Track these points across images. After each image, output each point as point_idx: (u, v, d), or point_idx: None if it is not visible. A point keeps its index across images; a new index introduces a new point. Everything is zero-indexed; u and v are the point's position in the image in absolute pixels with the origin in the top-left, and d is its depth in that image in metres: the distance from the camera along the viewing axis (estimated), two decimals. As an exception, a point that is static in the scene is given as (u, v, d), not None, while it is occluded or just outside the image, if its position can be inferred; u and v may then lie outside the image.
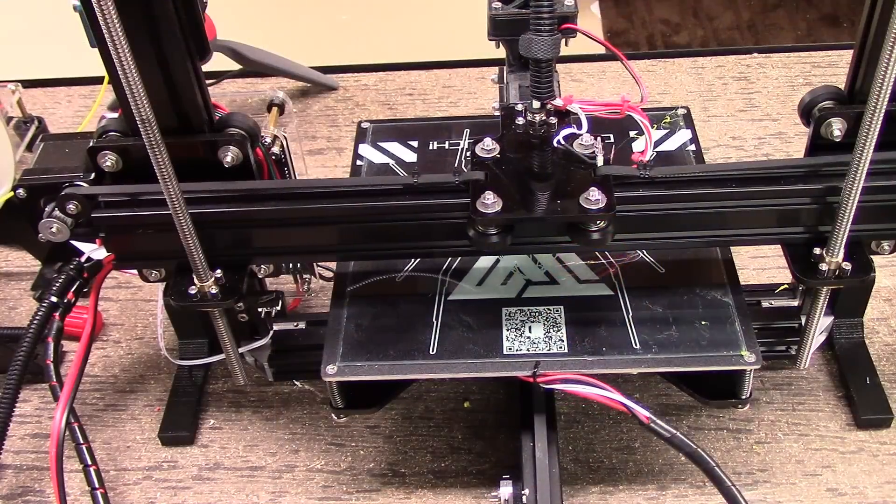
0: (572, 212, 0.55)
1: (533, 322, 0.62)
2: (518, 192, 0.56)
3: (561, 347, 0.61)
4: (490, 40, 0.61)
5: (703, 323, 0.62)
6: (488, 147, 0.59)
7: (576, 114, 0.58)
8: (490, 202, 0.55)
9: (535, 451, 0.61)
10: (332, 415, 0.64)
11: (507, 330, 0.62)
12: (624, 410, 0.57)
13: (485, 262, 0.67)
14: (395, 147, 0.75)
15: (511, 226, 0.56)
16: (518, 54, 0.59)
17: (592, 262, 0.67)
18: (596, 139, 0.58)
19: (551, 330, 0.62)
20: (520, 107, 0.61)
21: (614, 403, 0.57)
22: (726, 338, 0.60)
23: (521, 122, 0.60)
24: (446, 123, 0.78)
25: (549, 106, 0.59)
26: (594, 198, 0.54)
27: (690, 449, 0.57)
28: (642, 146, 0.63)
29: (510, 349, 0.61)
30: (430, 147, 0.75)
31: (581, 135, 0.58)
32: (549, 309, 0.63)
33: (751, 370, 0.60)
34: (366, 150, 0.75)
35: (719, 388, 0.63)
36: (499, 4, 0.60)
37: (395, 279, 0.66)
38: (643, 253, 0.66)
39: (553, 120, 0.60)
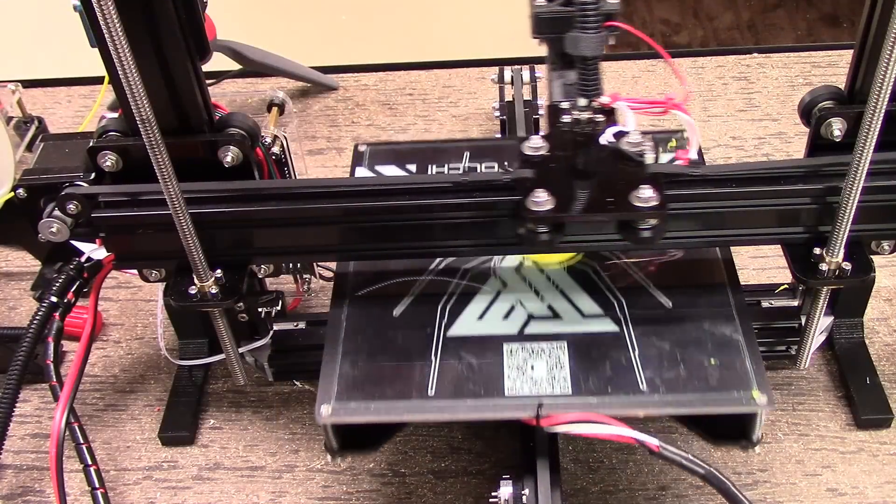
0: (624, 210, 0.54)
1: (535, 360, 0.60)
2: (568, 189, 0.55)
3: (564, 388, 0.58)
4: (533, 38, 0.61)
5: (712, 361, 0.59)
6: (535, 145, 0.58)
7: (622, 111, 0.58)
8: (541, 200, 0.54)
9: (536, 452, 0.61)
10: (328, 456, 0.61)
11: (509, 368, 0.60)
12: (634, 443, 0.56)
13: (485, 295, 0.64)
14: (392, 171, 0.74)
15: (561, 224, 0.55)
16: (560, 52, 0.59)
17: (597, 284, 0.65)
18: (644, 136, 0.57)
19: (554, 368, 0.59)
20: (565, 104, 0.60)
21: (624, 439, 0.56)
22: (737, 377, 0.58)
23: (566, 120, 0.59)
24: (444, 147, 0.77)
25: (594, 103, 0.59)
26: (646, 195, 0.54)
27: (704, 470, 0.56)
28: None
29: (512, 389, 0.58)
30: (429, 171, 0.73)
31: (629, 132, 0.57)
32: (552, 346, 0.61)
33: (762, 412, 0.57)
34: (362, 173, 0.74)
35: (729, 429, 0.60)
36: (542, 1, 0.60)
37: (392, 313, 0.63)
38: (649, 286, 0.64)
39: (599, 117, 0.59)
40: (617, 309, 0.63)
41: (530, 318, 0.63)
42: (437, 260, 0.66)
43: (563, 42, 0.57)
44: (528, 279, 0.65)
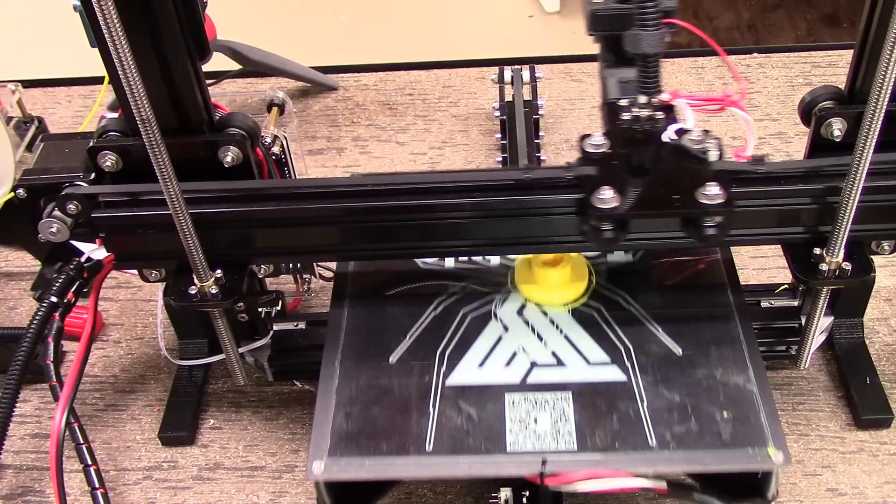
0: (692, 207, 0.54)
1: (539, 412, 0.57)
2: (631, 186, 0.55)
3: (569, 443, 0.55)
4: (589, 35, 0.61)
5: (724, 414, 0.56)
6: (597, 142, 0.58)
7: (681, 108, 0.58)
8: (607, 197, 0.54)
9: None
10: None
11: (511, 421, 0.57)
12: (642, 492, 0.55)
13: (485, 341, 0.62)
14: None
15: (625, 221, 0.55)
16: (614, 48, 0.59)
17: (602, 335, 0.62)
18: (707, 134, 0.57)
19: (559, 421, 0.57)
20: (623, 102, 0.59)
21: (632, 489, 0.54)
22: (751, 432, 0.56)
23: (626, 118, 0.58)
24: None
25: (654, 100, 0.58)
26: (713, 193, 0.54)
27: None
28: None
29: (514, 444, 0.56)
30: None
31: (690, 129, 0.57)
32: (556, 396, 0.58)
33: (778, 470, 0.55)
34: None
35: (742, 485, 0.57)
36: None
37: (389, 361, 0.61)
38: (659, 332, 0.62)
39: (659, 115, 0.58)
40: (624, 355, 0.60)
41: (533, 365, 0.60)
42: (436, 303, 0.64)
43: (618, 39, 0.57)
44: (530, 323, 0.63)
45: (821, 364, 0.75)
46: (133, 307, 0.85)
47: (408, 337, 0.62)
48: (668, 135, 0.57)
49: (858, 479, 0.68)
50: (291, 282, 0.80)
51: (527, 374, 0.60)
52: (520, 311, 0.64)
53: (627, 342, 0.61)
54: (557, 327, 0.63)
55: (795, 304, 0.74)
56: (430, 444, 0.56)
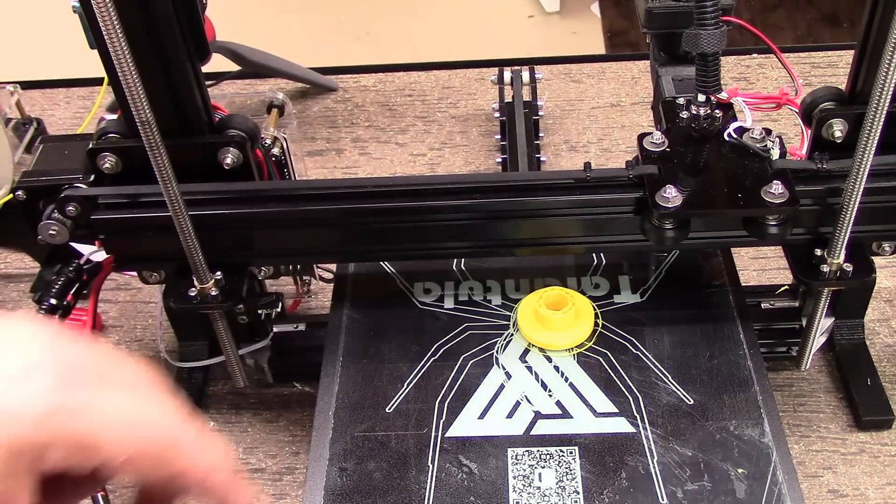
0: (756, 205, 0.54)
1: (544, 468, 0.54)
2: (693, 185, 0.55)
3: (576, 501, 0.53)
4: (644, 32, 0.61)
5: (739, 471, 0.54)
6: (657, 140, 0.58)
7: (740, 108, 0.58)
8: (671, 196, 0.54)
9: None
10: None
11: (514, 478, 0.54)
12: None
13: (487, 390, 0.59)
14: None
15: (688, 220, 0.55)
16: (668, 46, 0.58)
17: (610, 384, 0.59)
18: (768, 132, 0.57)
19: (564, 478, 0.54)
20: (681, 100, 0.60)
21: None
22: (767, 493, 0.53)
23: (684, 116, 0.59)
24: None
25: (713, 99, 0.58)
26: (778, 191, 0.54)
27: None
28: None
29: (517, 502, 0.53)
30: None
31: (750, 128, 0.57)
32: (561, 451, 0.55)
33: None
34: None
35: None
36: None
37: (386, 410, 0.58)
38: (668, 379, 0.59)
39: (718, 113, 0.58)
40: (633, 406, 0.57)
41: (537, 416, 0.57)
42: (435, 347, 0.62)
43: (673, 37, 0.57)
44: (534, 370, 0.60)
45: (821, 365, 0.75)
46: (133, 309, 0.85)
47: (405, 384, 0.60)
48: (729, 133, 0.57)
49: (860, 481, 0.68)
50: (291, 283, 0.80)
51: (530, 425, 0.57)
52: (523, 357, 0.61)
53: (635, 390, 0.58)
54: (562, 375, 0.60)
55: (796, 305, 0.74)
56: (429, 502, 0.54)
